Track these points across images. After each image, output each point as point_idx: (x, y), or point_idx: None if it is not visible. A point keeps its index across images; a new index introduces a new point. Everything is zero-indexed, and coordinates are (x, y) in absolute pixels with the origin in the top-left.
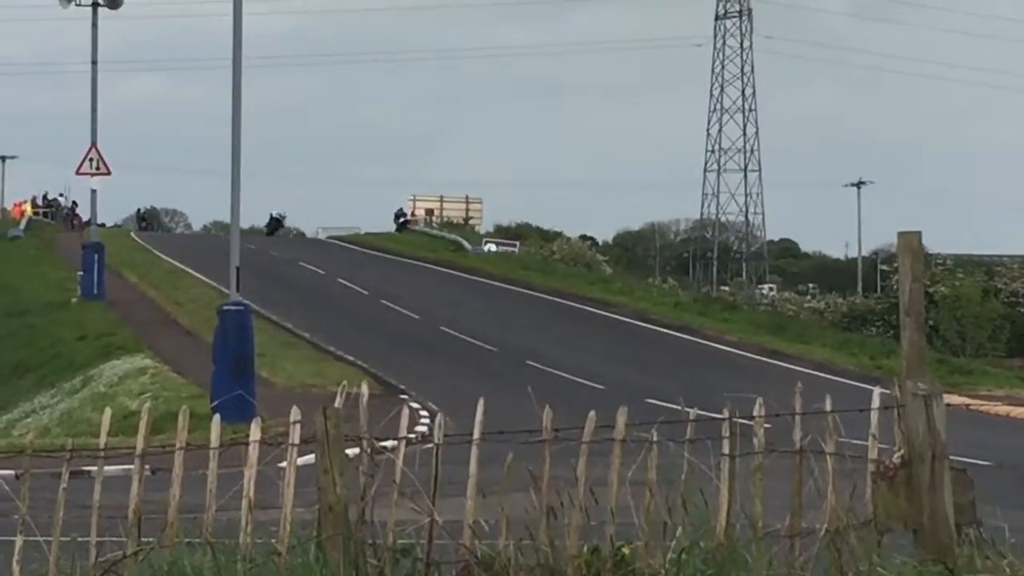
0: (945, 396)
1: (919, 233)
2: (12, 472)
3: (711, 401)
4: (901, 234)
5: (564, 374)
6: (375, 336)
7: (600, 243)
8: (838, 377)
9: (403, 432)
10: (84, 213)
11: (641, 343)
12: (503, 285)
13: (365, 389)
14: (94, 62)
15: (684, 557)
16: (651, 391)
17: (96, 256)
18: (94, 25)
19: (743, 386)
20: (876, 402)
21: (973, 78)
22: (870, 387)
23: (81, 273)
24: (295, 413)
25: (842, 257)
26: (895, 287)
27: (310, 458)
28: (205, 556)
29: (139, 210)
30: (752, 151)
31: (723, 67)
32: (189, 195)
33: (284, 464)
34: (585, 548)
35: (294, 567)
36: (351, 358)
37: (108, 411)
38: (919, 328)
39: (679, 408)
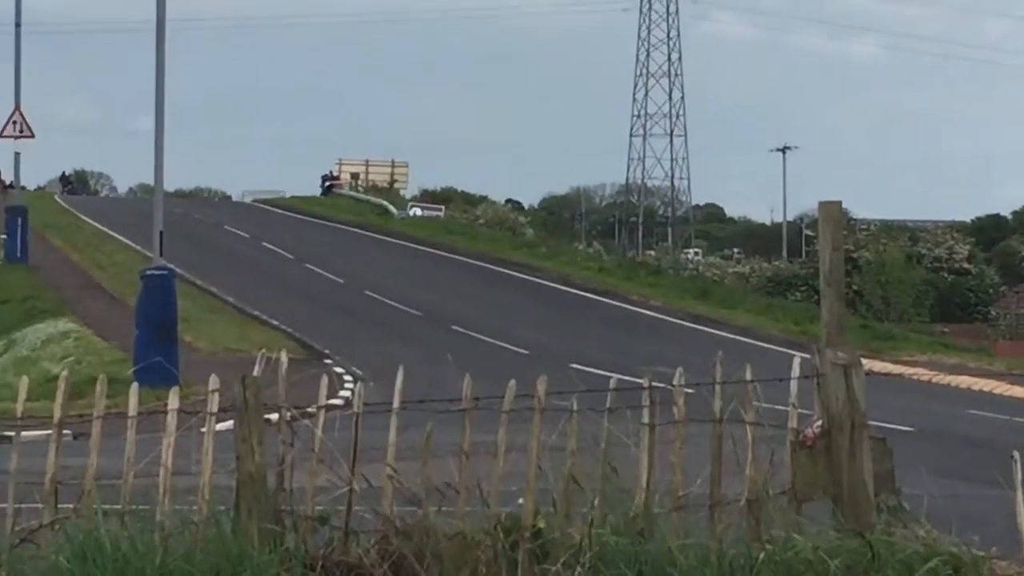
0: (867, 361)
1: (839, 203)
2: None
3: (635, 366)
4: (822, 204)
5: (488, 339)
6: (300, 300)
7: (526, 207)
8: (761, 342)
9: (323, 400)
10: (7, 176)
11: (565, 308)
12: (428, 249)
13: (284, 357)
14: (17, 24)
15: (599, 529)
16: (575, 356)
17: (20, 219)
18: None
19: (667, 351)
20: (796, 371)
21: (904, 44)
22: (793, 352)
23: (4, 236)
24: (213, 381)
25: (767, 222)
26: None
27: (231, 423)
28: (123, 526)
29: (64, 173)
30: (678, 116)
31: (649, 32)
32: (115, 158)
33: (204, 430)
34: (503, 518)
35: (210, 537)
36: (275, 322)
37: (25, 379)
38: (839, 297)
39: (603, 374)
